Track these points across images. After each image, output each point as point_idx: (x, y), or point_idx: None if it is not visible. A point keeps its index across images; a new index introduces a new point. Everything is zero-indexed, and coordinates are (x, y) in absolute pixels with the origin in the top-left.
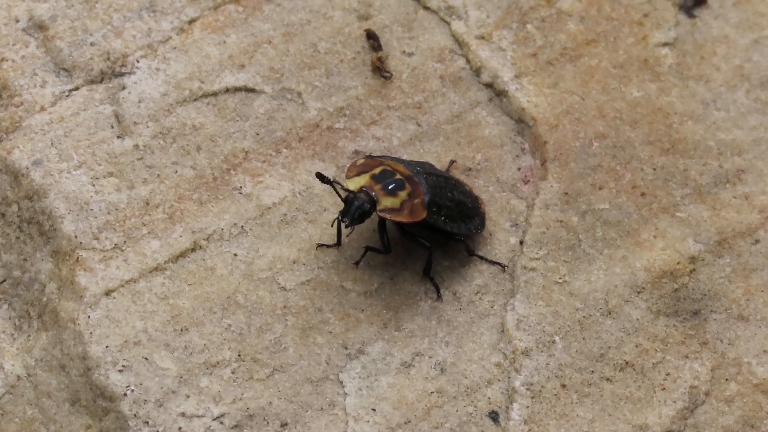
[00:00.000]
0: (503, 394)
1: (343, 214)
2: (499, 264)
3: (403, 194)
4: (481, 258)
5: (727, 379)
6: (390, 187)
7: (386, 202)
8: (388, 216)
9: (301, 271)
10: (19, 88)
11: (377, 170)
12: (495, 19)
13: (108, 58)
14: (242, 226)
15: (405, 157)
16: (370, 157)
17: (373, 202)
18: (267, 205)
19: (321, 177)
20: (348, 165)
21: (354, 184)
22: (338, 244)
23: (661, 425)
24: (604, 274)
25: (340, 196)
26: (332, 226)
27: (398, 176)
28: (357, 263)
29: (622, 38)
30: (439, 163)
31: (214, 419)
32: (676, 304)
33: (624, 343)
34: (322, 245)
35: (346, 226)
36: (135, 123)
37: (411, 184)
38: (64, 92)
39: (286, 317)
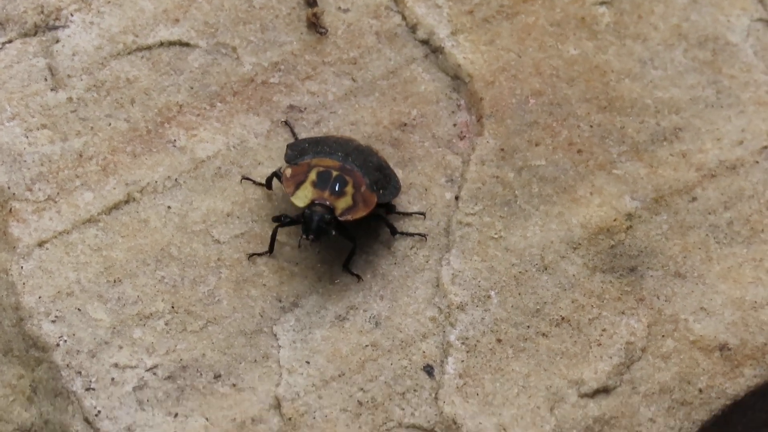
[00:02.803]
0: (438, 348)
1: (306, 232)
2: (420, 234)
3: (349, 189)
4: (404, 234)
5: (663, 336)
6: (336, 188)
7: (341, 204)
8: (350, 217)
9: (235, 224)
10: None
11: (313, 175)
12: None
13: (42, 12)
14: (176, 179)
15: (339, 111)
16: (294, 163)
17: (331, 211)
18: (201, 159)
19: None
20: (284, 179)
21: (301, 200)
22: (270, 251)
23: (597, 380)
24: (540, 230)
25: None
26: (299, 246)
27: (335, 173)
28: (358, 277)
29: None
30: (374, 118)
31: (147, 370)
32: (613, 261)
33: (560, 298)
34: (254, 255)
35: (312, 242)
36: (69, 76)
37: (349, 174)
38: None
39: (220, 270)
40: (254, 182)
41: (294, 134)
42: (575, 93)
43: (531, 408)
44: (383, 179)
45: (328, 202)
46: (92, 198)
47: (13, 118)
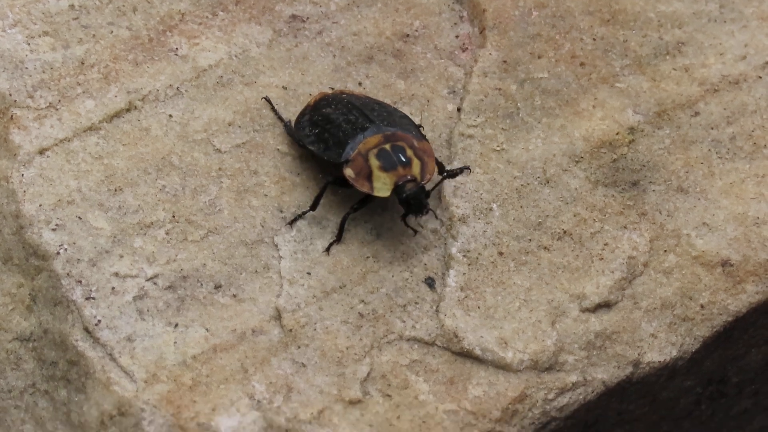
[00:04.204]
0: (439, 261)
1: (420, 211)
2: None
3: (409, 152)
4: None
5: (665, 251)
6: (402, 159)
7: (416, 170)
8: (429, 176)
9: (236, 133)
10: None
11: (373, 161)
12: None
13: None
14: (178, 88)
15: (342, 21)
16: (346, 161)
17: (417, 180)
18: (203, 67)
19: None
20: (351, 180)
21: (383, 189)
22: (338, 239)
23: (598, 295)
24: (542, 142)
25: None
26: (415, 234)
27: (387, 146)
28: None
29: None
30: (377, 29)
31: (148, 280)
32: (615, 175)
33: (562, 212)
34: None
35: (426, 213)
36: None
37: (397, 139)
38: None
39: (221, 179)
40: (272, 106)
41: (275, 111)
42: (578, 5)
43: (532, 322)
44: (404, 118)
45: (408, 176)
46: (94, 106)
47: (15, 24)
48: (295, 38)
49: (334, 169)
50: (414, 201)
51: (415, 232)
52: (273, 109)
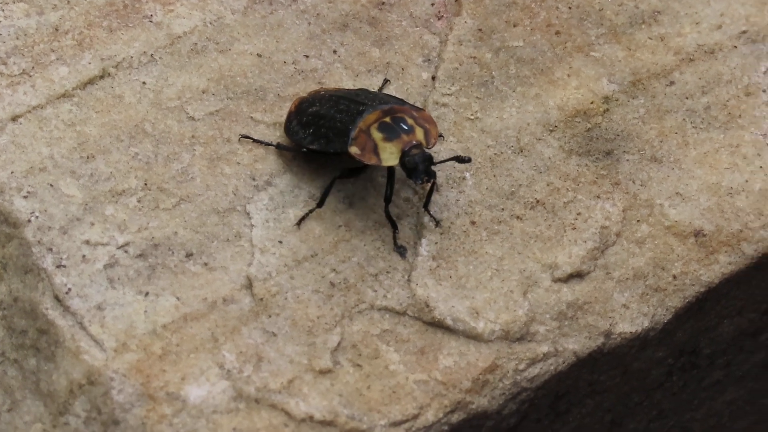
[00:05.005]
0: (411, 230)
1: (421, 176)
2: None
3: (410, 120)
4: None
5: (638, 221)
6: (405, 127)
7: (419, 135)
8: (434, 141)
9: (210, 101)
10: None
11: (376, 134)
12: None
13: None
14: (152, 55)
15: None
16: (351, 141)
17: (421, 146)
18: (177, 34)
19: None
20: (358, 156)
21: (391, 158)
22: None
23: (570, 265)
24: (516, 111)
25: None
26: (437, 225)
27: (387, 119)
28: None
29: None
30: None
31: (119, 248)
32: (589, 144)
33: (535, 181)
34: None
35: (431, 180)
36: None
37: (396, 112)
38: None
39: (194, 147)
40: (254, 140)
41: (259, 141)
42: None
43: (504, 292)
44: (390, 96)
45: (413, 142)
46: (67, 73)
47: None
48: (270, 5)
49: (340, 161)
50: (419, 166)
51: (437, 223)
52: (255, 140)
